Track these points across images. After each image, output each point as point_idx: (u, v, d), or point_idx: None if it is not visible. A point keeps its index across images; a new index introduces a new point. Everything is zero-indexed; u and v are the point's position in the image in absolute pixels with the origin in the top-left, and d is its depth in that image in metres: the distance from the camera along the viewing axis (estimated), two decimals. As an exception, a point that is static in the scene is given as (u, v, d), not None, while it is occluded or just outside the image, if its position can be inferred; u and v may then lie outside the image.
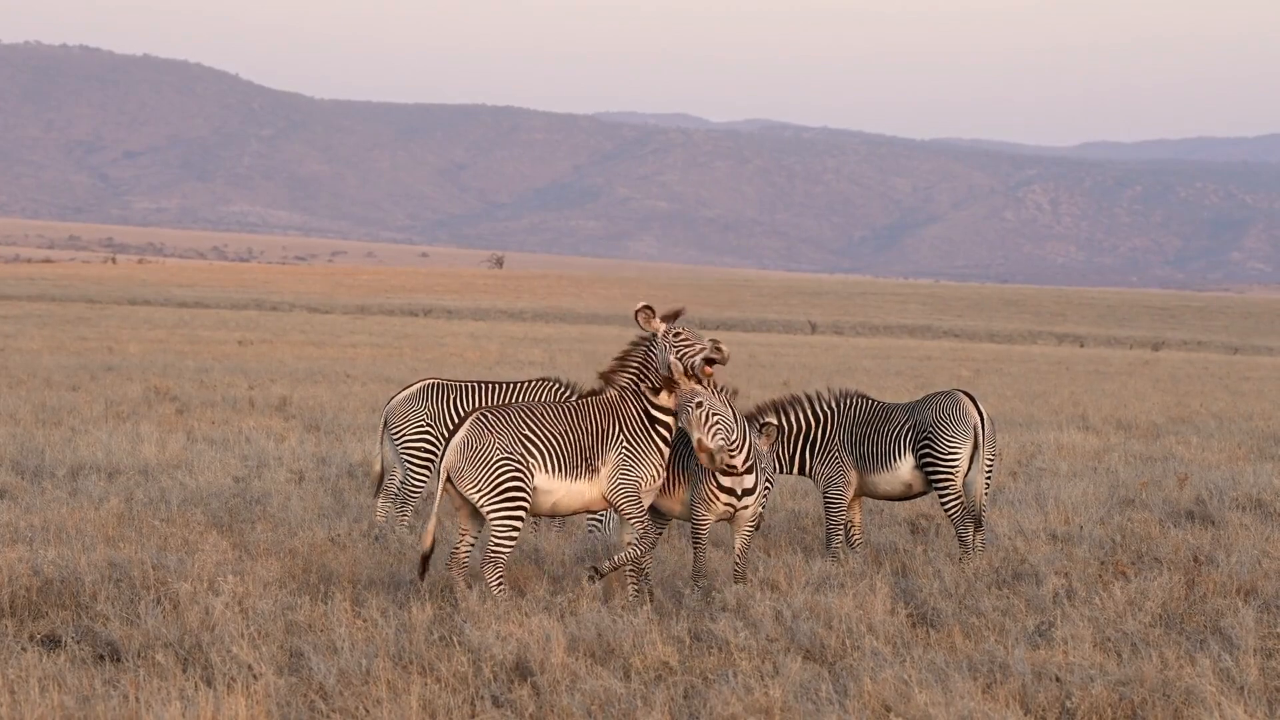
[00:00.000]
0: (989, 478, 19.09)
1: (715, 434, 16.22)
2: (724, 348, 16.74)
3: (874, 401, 19.34)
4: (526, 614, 14.84)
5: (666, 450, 16.43)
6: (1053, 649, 14.17)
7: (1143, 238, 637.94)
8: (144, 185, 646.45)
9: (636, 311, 16.60)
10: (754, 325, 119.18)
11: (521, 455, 15.98)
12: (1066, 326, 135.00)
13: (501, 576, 15.94)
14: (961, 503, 18.81)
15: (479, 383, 19.72)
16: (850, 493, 19.08)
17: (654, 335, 16.58)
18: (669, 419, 16.43)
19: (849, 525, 19.26)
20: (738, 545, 16.94)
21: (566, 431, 16.19)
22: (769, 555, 18.53)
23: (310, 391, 38.74)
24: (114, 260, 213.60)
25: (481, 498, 15.91)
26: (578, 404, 16.46)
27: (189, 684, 12.75)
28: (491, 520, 15.94)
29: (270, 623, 14.46)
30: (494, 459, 15.91)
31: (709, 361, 16.53)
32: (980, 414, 19.00)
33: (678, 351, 16.46)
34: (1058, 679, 13.26)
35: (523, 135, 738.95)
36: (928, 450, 18.84)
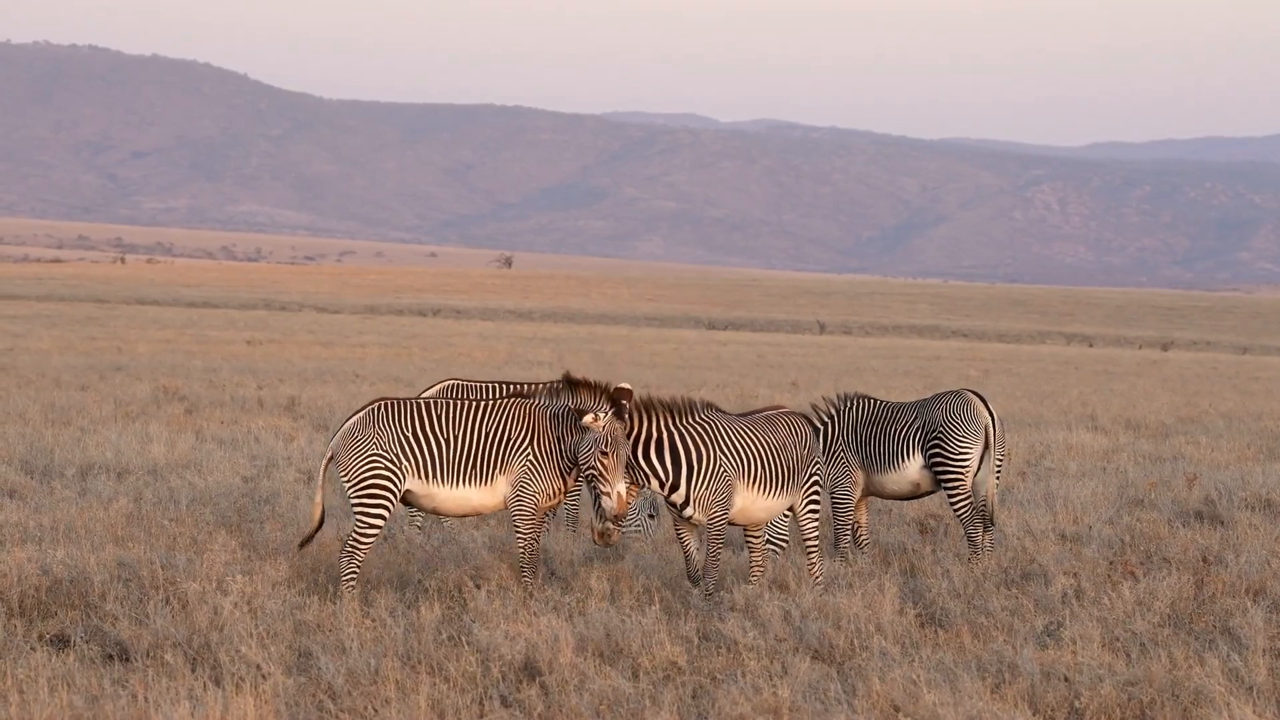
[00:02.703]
0: (997, 478, 19.09)
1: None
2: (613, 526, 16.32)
3: (878, 401, 19.31)
4: (535, 614, 14.84)
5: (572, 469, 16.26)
6: (1061, 649, 14.16)
7: (1151, 238, 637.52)
8: (152, 185, 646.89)
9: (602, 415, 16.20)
10: (762, 325, 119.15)
11: (396, 455, 15.99)
12: (1075, 326, 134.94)
13: (354, 572, 15.93)
14: (971, 503, 18.80)
15: (499, 383, 19.64)
16: (857, 493, 19.07)
17: (583, 420, 16.20)
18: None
19: (856, 525, 19.25)
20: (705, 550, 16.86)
21: (459, 437, 16.09)
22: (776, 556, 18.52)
23: (319, 391, 38.75)
24: (122, 260, 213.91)
25: (348, 488, 16.07)
26: (496, 407, 16.25)
27: (197, 684, 12.75)
28: (353, 512, 16.11)
29: (279, 622, 14.46)
30: (367, 453, 15.99)
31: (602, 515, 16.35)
32: (991, 414, 19.01)
33: (588, 468, 16.06)
34: (1066, 679, 13.25)
35: (530, 135, 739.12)
36: (938, 450, 18.82)
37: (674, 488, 16.44)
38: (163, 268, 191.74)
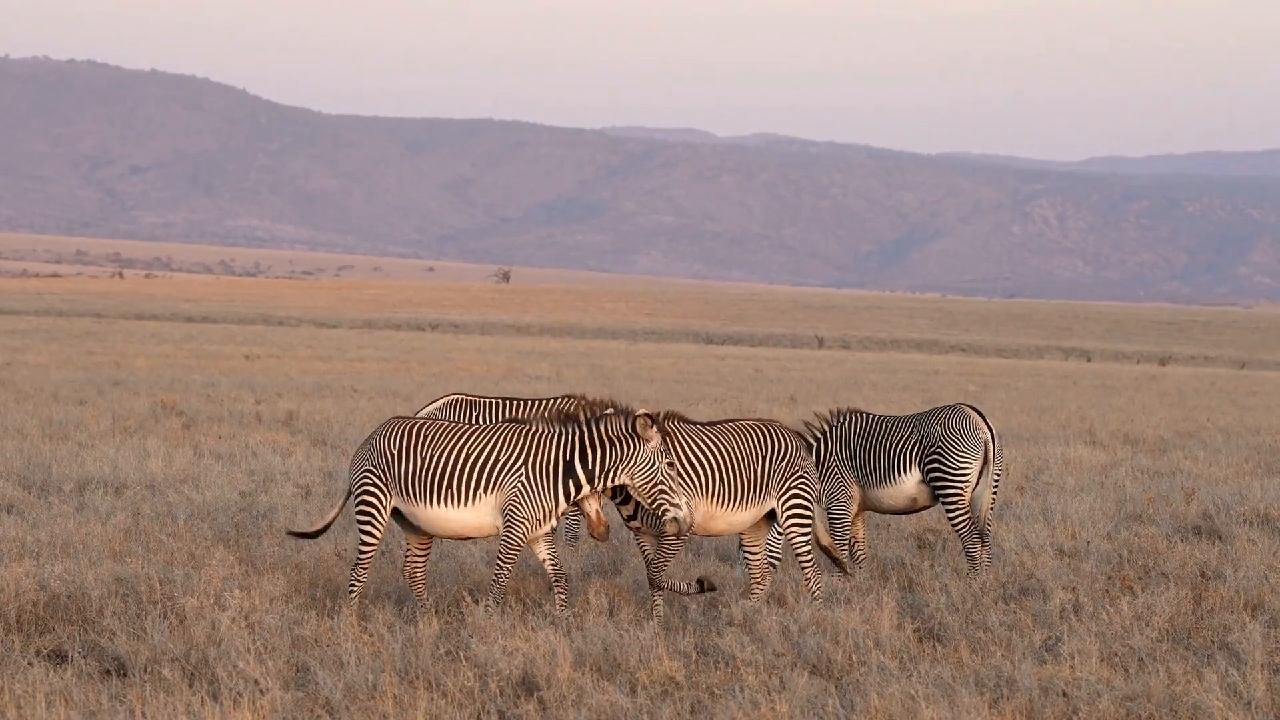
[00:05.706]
0: (994, 493, 19.09)
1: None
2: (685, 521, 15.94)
3: (873, 416, 19.28)
4: (533, 629, 14.83)
5: (563, 500, 15.95)
6: (1060, 664, 14.16)
7: (1149, 252, 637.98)
8: (151, 200, 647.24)
9: (636, 417, 15.95)
10: (761, 340, 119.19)
11: (381, 472, 16.08)
12: (1073, 341, 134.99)
13: (352, 585, 16.01)
14: (969, 518, 18.80)
15: (504, 399, 19.56)
16: (853, 508, 19.06)
17: (635, 430, 15.94)
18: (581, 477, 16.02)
19: (853, 540, 19.24)
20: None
21: (441, 456, 16.02)
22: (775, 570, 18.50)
23: (317, 406, 38.74)
24: (121, 275, 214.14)
25: (350, 501, 16.25)
26: (498, 429, 16.15)
27: (195, 699, 12.75)
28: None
29: (276, 637, 14.46)
30: (360, 468, 16.19)
31: (660, 527, 16.11)
32: (989, 429, 19.01)
33: (653, 487, 15.84)
34: (1065, 694, 13.24)
35: (529, 150, 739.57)
36: (937, 465, 18.81)
37: (626, 499, 16.37)
38: (161, 282, 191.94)
